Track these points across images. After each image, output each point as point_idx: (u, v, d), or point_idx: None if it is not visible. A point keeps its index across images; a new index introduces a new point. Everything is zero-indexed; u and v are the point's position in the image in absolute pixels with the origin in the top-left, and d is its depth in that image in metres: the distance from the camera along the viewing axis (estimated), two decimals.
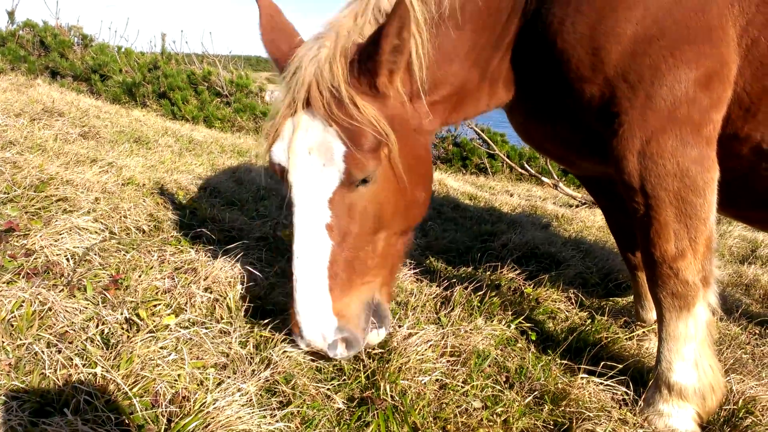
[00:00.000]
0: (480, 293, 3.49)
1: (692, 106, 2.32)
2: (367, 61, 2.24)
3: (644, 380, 2.88)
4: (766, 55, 2.31)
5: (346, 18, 2.43)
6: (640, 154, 2.38)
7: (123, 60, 12.54)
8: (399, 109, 2.41)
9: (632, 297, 3.65)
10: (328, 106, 2.26)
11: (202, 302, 2.73)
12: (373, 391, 2.46)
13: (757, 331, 3.85)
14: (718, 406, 2.62)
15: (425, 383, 2.55)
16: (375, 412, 2.35)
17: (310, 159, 2.32)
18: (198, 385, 2.21)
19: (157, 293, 2.71)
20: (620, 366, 2.73)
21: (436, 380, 2.62)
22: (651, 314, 3.41)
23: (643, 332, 3.33)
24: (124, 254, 3.03)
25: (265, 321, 2.70)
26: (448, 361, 2.81)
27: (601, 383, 2.64)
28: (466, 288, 3.48)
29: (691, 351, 2.54)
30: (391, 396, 2.42)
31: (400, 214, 2.52)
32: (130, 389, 2.00)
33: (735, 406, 2.68)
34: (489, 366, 2.82)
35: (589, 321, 3.52)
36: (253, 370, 2.38)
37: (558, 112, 2.70)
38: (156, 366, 2.14)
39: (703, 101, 2.33)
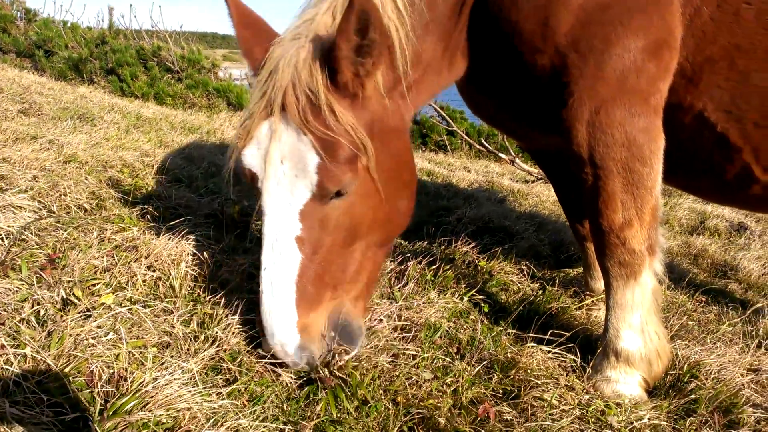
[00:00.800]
0: (434, 267, 3.47)
1: (640, 75, 2.33)
2: (330, 59, 2.11)
3: (593, 348, 2.92)
4: (708, 25, 2.33)
5: (324, 15, 2.26)
6: (589, 123, 2.37)
7: (69, 35, 12.04)
8: (378, 110, 2.29)
9: (582, 268, 3.69)
10: (303, 113, 2.12)
11: (144, 281, 2.64)
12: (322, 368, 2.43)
13: (703, 299, 3.95)
14: (664, 371, 2.68)
15: (376, 357, 2.52)
16: (324, 388, 2.32)
17: (282, 168, 2.18)
18: (139, 365, 2.13)
19: (96, 272, 2.60)
20: (569, 334, 2.75)
21: (388, 353, 2.59)
22: (600, 284, 3.45)
23: (592, 301, 3.37)
24: (62, 233, 2.90)
25: (210, 298, 2.62)
26: (400, 335, 2.79)
27: (550, 351, 2.66)
28: (420, 262, 3.46)
29: (638, 318, 2.58)
30: (341, 368, 2.38)
31: (379, 226, 2.40)
32: (62, 369, 1.91)
33: (680, 371, 2.74)
34: (441, 338, 2.81)
35: (540, 292, 3.54)
36: (197, 349, 2.31)
37: (509, 83, 2.67)
38: (90, 346, 2.06)
39: (651, 70, 2.34)
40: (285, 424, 2.13)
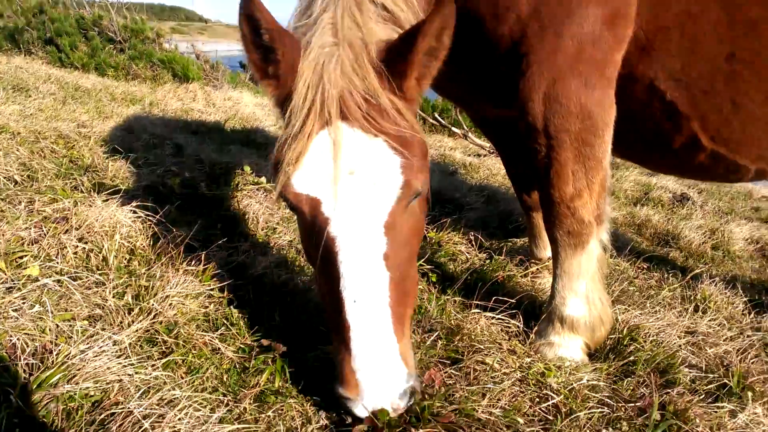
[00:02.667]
0: None
1: (597, 45, 2.31)
2: (398, 63, 1.91)
3: (537, 314, 2.95)
4: None
5: (342, 18, 2.01)
6: (545, 95, 2.36)
7: (4, 4, 11.44)
8: (418, 104, 2.14)
9: (528, 237, 3.72)
10: (370, 116, 1.88)
11: (75, 253, 2.52)
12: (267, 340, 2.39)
13: (645, 266, 4.05)
14: (606, 336, 2.72)
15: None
16: (269, 358, 2.28)
17: (355, 181, 1.87)
18: (68, 338, 2.04)
19: (23, 244, 2.47)
20: (514, 301, 2.77)
21: None
22: (545, 252, 3.49)
23: (537, 269, 3.40)
24: None
25: (147, 271, 2.53)
26: None
27: (494, 317, 2.67)
28: None
29: (583, 286, 2.61)
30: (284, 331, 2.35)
31: (424, 223, 2.21)
32: None
33: (620, 335, 2.79)
34: None
35: (488, 261, 3.56)
36: (131, 321, 2.23)
37: (466, 54, 2.62)
38: (11, 318, 1.95)
39: (608, 41, 2.33)
40: (224, 395, 2.08)
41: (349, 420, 1.95)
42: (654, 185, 6.59)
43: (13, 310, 1.98)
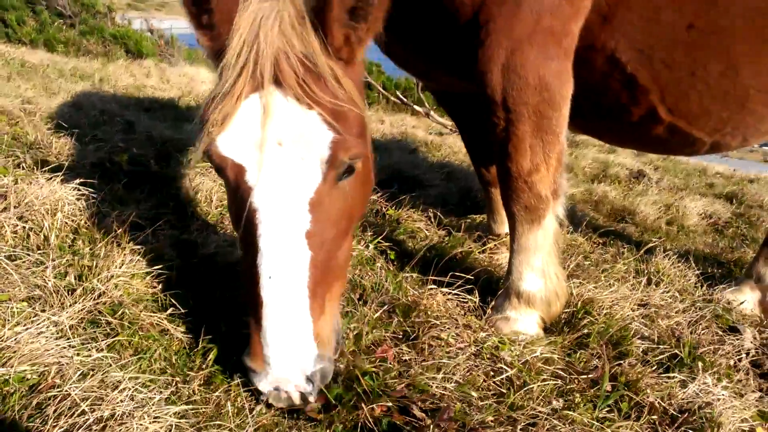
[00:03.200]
0: None
1: (555, 15, 2.29)
2: (320, 21, 1.78)
3: (494, 290, 2.95)
4: None
5: None
6: (504, 66, 2.33)
7: None
8: (361, 77, 2.03)
9: (486, 214, 3.72)
10: (305, 84, 1.76)
11: (14, 232, 2.41)
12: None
13: (601, 241, 4.10)
14: (561, 310, 2.74)
15: None
16: (218, 338, 2.22)
17: (283, 152, 1.79)
18: (4, 321, 1.94)
19: None
20: (471, 277, 2.76)
21: None
22: (503, 228, 3.49)
23: (495, 245, 3.40)
24: None
25: (91, 250, 2.43)
26: None
27: (450, 293, 2.66)
28: None
29: (539, 261, 2.62)
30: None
31: (364, 204, 2.14)
32: None
33: (575, 308, 2.81)
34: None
35: (446, 237, 3.55)
36: (73, 302, 2.14)
37: (425, 23, 2.57)
38: None
39: (566, 10, 2.30)
40: (172, 376, 2.02)
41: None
42: (612, 162, 6.68)
43: None
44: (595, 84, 2.58)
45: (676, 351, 2.57)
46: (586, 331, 2.62)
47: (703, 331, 2.83)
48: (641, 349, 2.60)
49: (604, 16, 2.38)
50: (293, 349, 1.82)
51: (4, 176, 2.79)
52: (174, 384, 1.98)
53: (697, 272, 3.58)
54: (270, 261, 1.80)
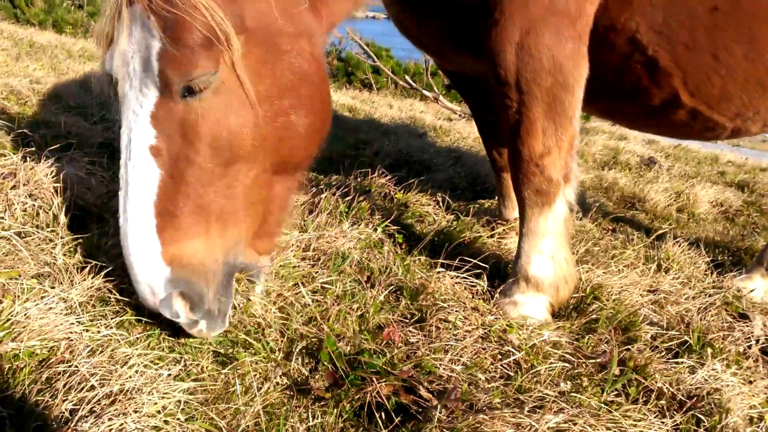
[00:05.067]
0: (348, 199, 3.38)
1: None
2: None
3: (502, 274, 2.94)
4: None
5: None
6: (518, 46, 2.31)
7: None
8: (260, 5, 1.95)
9: (496, 198, 3.70)
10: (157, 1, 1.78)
11: (24, 210, 2.41)
12: None
13: (610, 227, 4.08)
14: (570, 295, 2.73)
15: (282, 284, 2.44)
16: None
17: (131, 64, 1.84)
18: (14, 297, 1.95)
19: None
20: (479, 261, 2.75)
21: (294, 282, 2.51)
22: (513, 213, 3.47)
23: (504, 230, 3.39)
24: None
25: (100, 228, 2.44)
26: (308, 264, 2.71)
27: (458, 276, 2.65)
28: (334, 194, 3.36)
29: (549, 245, 2.60)
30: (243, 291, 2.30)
31: (266, 145, 2.02)
32: None
33: (583, 293, 2.80)
34: (351, 267, 2.75)
35: (455, 222, 3.53)
36: (82, 279, 2.14)
37: (438, 1, 2.54)
38: None
39: None
40: (181, 354, 2.03)
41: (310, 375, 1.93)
42: (622, 149, 6.63)
43: None
44: (616, 66, 2.55)
45: (685, 337, 2.56)
46: (594, 316, 2.62)
47: (712, 318, 2.82)
48: (650, 335, 2.59)
49: None
50: (137, 266, 1.86)
51: (14, 154, 2.80)
52: (182, 361, 1.98)
53: (708, 259, 3.56)
54: (121, 172, 1.89)
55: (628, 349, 2.40)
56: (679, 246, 3.60)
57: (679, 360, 2.40)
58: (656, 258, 3.43)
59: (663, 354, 2.44)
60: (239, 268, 2.11)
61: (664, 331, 2.60)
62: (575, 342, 2.45)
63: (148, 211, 1.86)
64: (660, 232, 3.69)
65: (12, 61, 5.06)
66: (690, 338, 2.54)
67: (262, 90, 1.96)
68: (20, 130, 3.29)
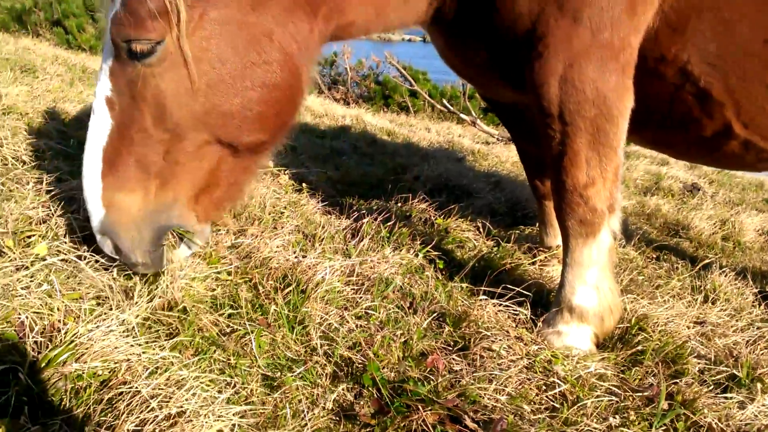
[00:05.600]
0: (389, 224, 3.43)
1: (614, 29, 2.28)
2: None
3: (544, 302, 2.94)
4: None
5: None
6: (561, 79, 2.33)
7: None
8: None
9: (537, 225, 3.70)
10: None
11: (83, 233, 2.51)
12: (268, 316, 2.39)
13: (654, 255, 4.02)
14: (615, 326, 2.70)
15: (327, 309, 2.49)
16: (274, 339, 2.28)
17: (106, 20, 2.06)
18: (76, 317, 2.04)
19: (31, 223, 2.47)
20: (521, 289, 2.76)
21: (339, 307, 2.56)
22: (554, 241, 3.47)
23: (546, 257, 3.38)
24: None
25: None
26: (352, 289, 2.76)
27: (501, 304, 2.66)
28: (375, 219, 3.41)
29: (593, 275, 2.59)
30: (291, 316, 2.35)
31: (210, 119, 2.10)
32: None
33: (628, 324, 2.77)
34: (393, 292, 2.79)
35: (495, 248, 3.54)
36: (138, 301, 2.22)
37: (482, 31, 2.57)
38: (19, 296, 1.95)
39: (625, 25, 2.29)
40: (231, 377, 2.09)
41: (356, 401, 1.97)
42: (664, 175, 6.54)
43: (21, 289, 1.98)
44: (666, 97, 2.55)
45: (734, 371, 2.51)
46: (640, 347, 2.59)
47: (762, 351, 2.76)
48: (697, 368, 2.56)
49: (674, 28, 2.35)
50: (87, 200, 2.11)
51: (72, 179, 2.92)
52: (233, 384, 2.04)
53: (755, 290, 3.48)
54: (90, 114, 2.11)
55: (675, 383, 2.37)
56: (725, 276, 3.54)
57: (728, 395, 2.36)
58: (702, 288, 3.37)
59: (711, 388, 2.40)
60: (170, 228, 2.25)
61: (713, 365, 2.56)
62: (621, 374, 2.43)
63: (98, 155, 2.08)
64: (706, 262, 3.63)
65: (66, 86, 5.28)
66: (739, 372, 2.50)
67: (208, 68, 2.05)
68: (77, 155, 3.44)
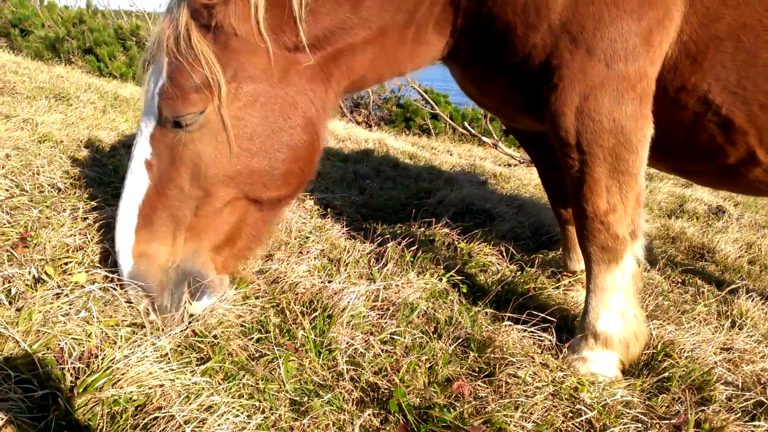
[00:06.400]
0: (413, 249, 3.47)
1: (630, 61, 2.29)
2: None
3: (569, 328, 2.94)
4: (713, 1, 2.29)
5: None
6: (578, 110, 2.35)
7: (45, 14, 11.79)
8: (255, 59, 2.23)
9: (561, 249, 3.71)
10: (167, 38, 2.16)
11: None
12: (296, 341, 2.44)
13: (680, 280, 4.00)
14: (640, 352, 2.69)
15: (353, 334, 2.52)
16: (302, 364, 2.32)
17: (148, 89, 2.27)
18: (111, 343, 2.11)
19: (68, 251, 2.56)
20: (545, 315, 2.77)
21: (365, 332, 2.60)
22: (578, 265, 3.47)
23: (570, 282, 3.39)
24: (34, 212, 2.85)
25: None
26: (377, 314, 2.79)
27: (525, 330, 2.67)
28: (399, 244, 3.45)
29: (618, 301, 2.59)
30: (317, 341, 2.39)
31: (240, 178, 2.32)
32: (30, 346, 1.88)
33: (654, 350, 2.76)
34: (418, 317, 2.82)
35: (518, 273, 3.56)
36: (172, 328, 2.29)
37: (497, 64, 2.61)
38: (60, 323, 2.03)
39: (641, 56, 2.30)
40: (260, 401, 2.13)
41: (382, 426, 1.99)
42: (689, 197, 6.49)
43: (61, 315, 2.05)
44: (688, 125, 2.55)
45: (762, 398, 2.48)
46: (666, 374, 2.58)
47: None
48: (725, 395, 2.53)
49: (694, 57, 2.36)
50: (117, 251, 2.27)
51: (108, 206, 3.02)
52: (262, 409, 2.08)
53: None
54: (127, 175, 2.30)
55: (702, 410, 2.35)
56: (752, 301, 3.51)
57: (757, 423, 2.34)
58: (729, 314, 3.35)
59: (739, 416, 2.38)
60: (193, 276, 2.37)
61: (740, 392, 2.54)
62: (647, 401, 2.42)
63: (134, 211, 2.26)
64: (732, 286, 3.60)
65: (99, 114, 5.45)
66: (767, 400, 2.47)
67: (242, 132, 2.27)
68: (111, 182, 3.55)
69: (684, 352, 2.76)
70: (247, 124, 2.27)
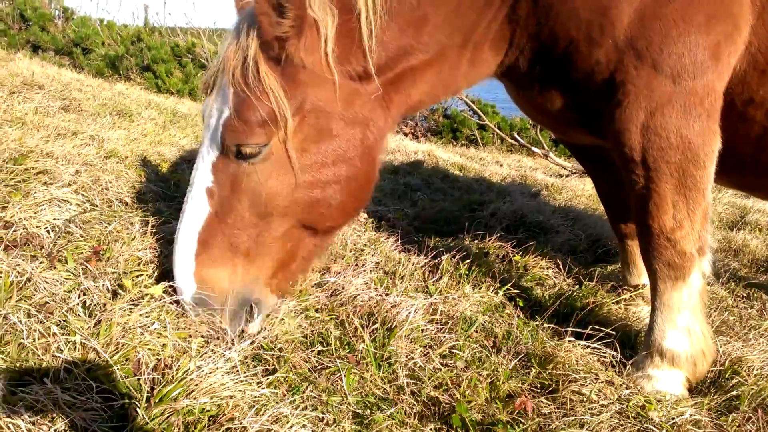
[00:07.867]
0: (468, 261, 3.47)
1: (698, 76, 2.25)
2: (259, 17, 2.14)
3: (631, 343, 2.89)
4: None
5: None
6: (643, 126, 2.31)
7: (105, 33, 12.29)
8: (321, 91, 2.26)
9: (620, 263, 3.64)
10: (233, 69, 2.20)
11: None
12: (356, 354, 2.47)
13: (744, 294, 3.87)
14: (708, 370, 2.63)
15: (412, 347, 2.54)
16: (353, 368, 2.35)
17: (211, 118, 2.31)
18: (183, 354, 2.18)
19: (139, 264, 2.67)
20: (607, 330, 2.73)
21: (423, 345, 2.61)
22: (639, 280, 3.40)
23: (630, 296, 3.33)
24: (105, 226, 2.98)
25: None
26: (435, 327, 2.81)
27: (588, 346, 2.64)
28: (454, 257, 3.46)
29: (685, 319, 2.54)
30: (378, 354, 2.42)
31: (299, 208, 2.36)
32: (111, 357, 1.97)
33: (722, 367, 2.69)
34: (476, 331, 2.82)
35: (576, 287, 3.51)
36: (243, 340, 2.36)
37: (556, 81, 2.59)
38: (136, 334, 2.11)
39: (710, 70, 2.26)
40: (323, 413, 2.17)
41: None
42: (750, 208, 6.27)
43: (139, 327, 2.14)
44: (755, 138, 2.50)
45: None
46: (735, 392, 2.50)
47: None
48: None
49: (762, 70, 2.31)
50: (178, 276, 2.33)
51: (174, 220, 3.13)
52: (327, 421, 2.12)
53: None
54: (186, 201, 2.36)
55: None
56: None
57: None
58: None
59: None
60: (251, 301, 2.43)
61: None
62: (716, 420, 2.35)
63: (194, 237, 2.31)
64: None
65: (160, 130, 5.64)
66: None
67: (305, 164, 2.30)
68: (174, 196, 3.68)
69: (753, 369, 2.68)
70: (309, 156, 2.31)
